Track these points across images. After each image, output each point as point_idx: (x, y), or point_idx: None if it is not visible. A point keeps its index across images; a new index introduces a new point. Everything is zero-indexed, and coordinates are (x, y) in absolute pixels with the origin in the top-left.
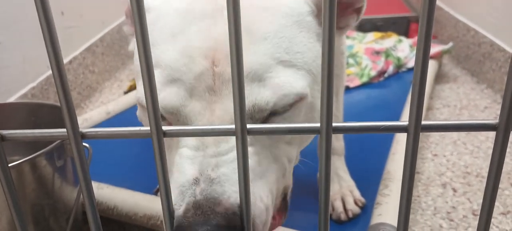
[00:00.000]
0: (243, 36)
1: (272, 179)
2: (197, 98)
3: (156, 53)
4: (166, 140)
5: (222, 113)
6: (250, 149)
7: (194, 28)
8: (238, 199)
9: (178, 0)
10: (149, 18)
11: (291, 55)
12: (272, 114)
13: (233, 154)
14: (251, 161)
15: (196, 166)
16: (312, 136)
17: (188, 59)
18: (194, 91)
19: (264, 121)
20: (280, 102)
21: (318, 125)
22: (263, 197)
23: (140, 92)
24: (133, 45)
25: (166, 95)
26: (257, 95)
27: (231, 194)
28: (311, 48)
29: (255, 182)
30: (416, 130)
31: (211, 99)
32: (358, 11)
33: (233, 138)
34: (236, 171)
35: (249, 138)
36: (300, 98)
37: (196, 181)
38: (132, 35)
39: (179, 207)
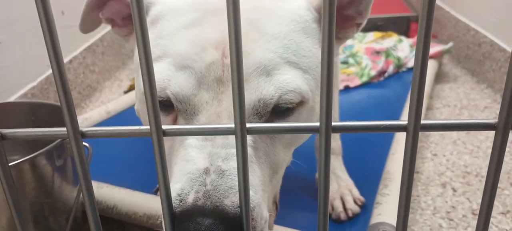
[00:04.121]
0: (253, 34)
1: (270, 188)
2: (205, 88)
3: (166, 44)
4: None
5: (229, 104)
6: (252, 153)
7: (207, 21)
8: None
9: None
10: (157, 11)
11: (298, 58)
12: (275, 114)
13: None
14: (255, 166)
15: (206, 155)
16: (309, 135)
17: (199, 48)
18: (203, 80)
19: (268, 119)
20: (284, 97)
21: (318, 124)
22: (264, 208)
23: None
24: (133, 43)
25: (177, 83)
26: (263, 89)
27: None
28: (315, 54)
29: (258, 190)
30: (415, 129)
31: (219, 89)
32: (358, 24)
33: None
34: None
35: (252, 142)
36: (302, 101)
37: (206, 171)
38: (127, 35)
39: (188, 193)
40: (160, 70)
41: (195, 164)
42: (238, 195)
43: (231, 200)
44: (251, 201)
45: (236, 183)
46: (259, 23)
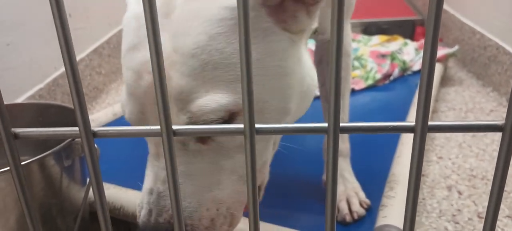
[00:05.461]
0: (174, 55)
1: (225, 190)
2: (150, 113)
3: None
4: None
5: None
6: (188, 167)
7: (144, 43)
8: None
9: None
10: (124, 22)
11: (222, 69)
12: None
13: (181, 169)
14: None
15: (153, 177)
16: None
17: (137, 75)
18: (145, 106)
19: (200, 139)
20: (202, 119)
21: (326, 124)
22: (210, 208)
23: (122, 96)
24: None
25: (129, 110)
26: (178, 120)
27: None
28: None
29: (194, 198)
30: (422, 130)
31: None
32: None
33: (184, 152)
34: (183, 185)
35: (186, 156)
36: (232, 113)
37: (151, 191)
38: None
39: (141, 209)
40: (122, 94)
41: (144, 184)
42: (169, 212)
43: (164, 218)
44: (186, 208)
45: (169, 202)
46: (180, 39)
